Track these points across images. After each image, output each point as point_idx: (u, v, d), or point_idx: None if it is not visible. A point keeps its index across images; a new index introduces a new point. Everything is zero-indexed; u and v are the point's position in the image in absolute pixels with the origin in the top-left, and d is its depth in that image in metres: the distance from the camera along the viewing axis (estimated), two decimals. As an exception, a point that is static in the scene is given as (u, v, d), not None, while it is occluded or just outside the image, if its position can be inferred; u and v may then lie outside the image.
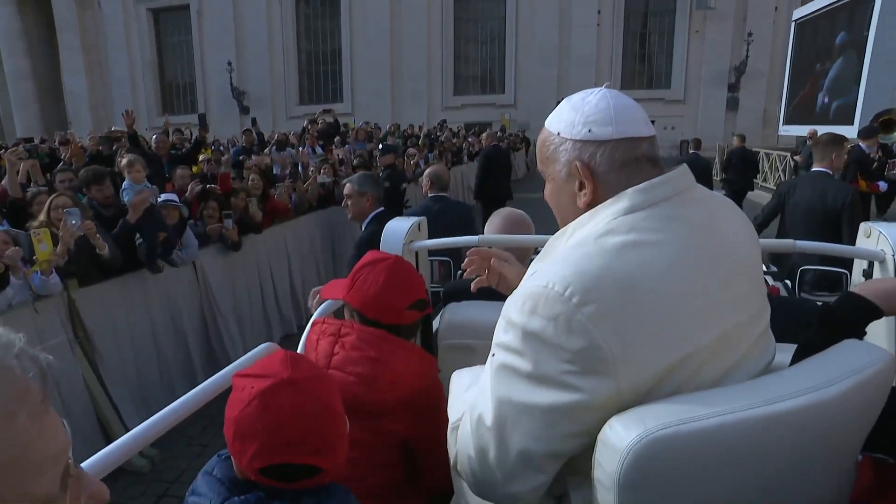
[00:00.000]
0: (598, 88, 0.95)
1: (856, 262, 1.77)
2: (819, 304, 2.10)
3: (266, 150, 9.17)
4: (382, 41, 25.80)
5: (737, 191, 9.03)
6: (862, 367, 0.81)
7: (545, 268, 0.85)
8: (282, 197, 5.91)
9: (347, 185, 3.53)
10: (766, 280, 1.72)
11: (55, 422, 0.52)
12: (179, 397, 1.14)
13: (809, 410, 0.76)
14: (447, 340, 1.80)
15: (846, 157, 4.32)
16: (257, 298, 5.25)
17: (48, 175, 5.29)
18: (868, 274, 1.66)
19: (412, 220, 2.05)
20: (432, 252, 2.24)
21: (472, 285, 1.42)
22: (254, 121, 13.57)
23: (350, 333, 1.34)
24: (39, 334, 3.15)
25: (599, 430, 0.78)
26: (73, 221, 3.19)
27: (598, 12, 24.33)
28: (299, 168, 7.82)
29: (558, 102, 0.99)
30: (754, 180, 10.47)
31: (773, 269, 3.21)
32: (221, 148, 11.00)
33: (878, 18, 11.50)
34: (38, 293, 3.23)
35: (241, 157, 7.92)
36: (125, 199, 4.13)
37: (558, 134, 0.94)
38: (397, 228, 1.98)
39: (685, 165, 0.93)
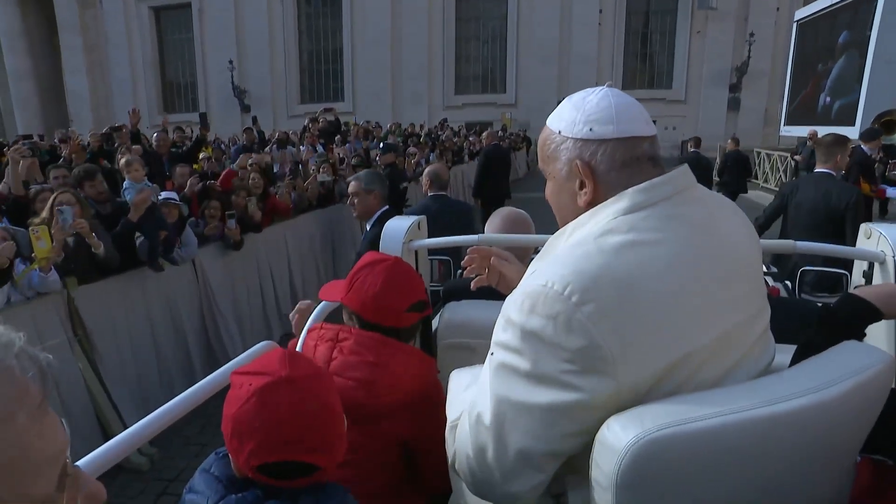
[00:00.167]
0: (600, 87, 0.95)
1: (856, 263, 1.76)
2: (819, 304, 2.09)
3: (267, 149, 9.17)
4: (383, 40, 25.78)
5: (734, 192, 9.01)
6: (862, 368, 0.81)
7: (544, 267, 0.85)
8: (282, 195, 5.91)
9: (353, 182, 3.50)
10: (766, 281, 1.71)
11: (54, 422, 0.52)
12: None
13: (809, 411, 0.75)
14: (447, 340, 1.79)
15: (849, 158, 4.31)
16: (257, 298, 5.25)
17: (45, 171, 5.28)
18: (868, 275, 1.65)
19: (412, 218, 2.04)
20: (432, 251, 2.24)
21: (472, 284, 1.42)
22: (255, 119, 13.53)
23: (348, 338, 1.32)
24: (39, 333, 3.15)
25: (598, 429, 0.78)
26: (65, 218, 3.18)
27: (600, 11, 24.26)
28: (299, 166, 7.82)
29: (559, 102, 0.99)
30: (747, 182, 10.47)
31: (774, 269, 3.21)
32: (222, 146, 11.01)
33: (881, 18, 11.47)
34: (38, 290, 3.23)
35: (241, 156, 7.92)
36: (127, 199, 4.13)
37: (559, 132, 0.94)
38: (397, 227, 1.97)
39: (686, 165, 0.93)
